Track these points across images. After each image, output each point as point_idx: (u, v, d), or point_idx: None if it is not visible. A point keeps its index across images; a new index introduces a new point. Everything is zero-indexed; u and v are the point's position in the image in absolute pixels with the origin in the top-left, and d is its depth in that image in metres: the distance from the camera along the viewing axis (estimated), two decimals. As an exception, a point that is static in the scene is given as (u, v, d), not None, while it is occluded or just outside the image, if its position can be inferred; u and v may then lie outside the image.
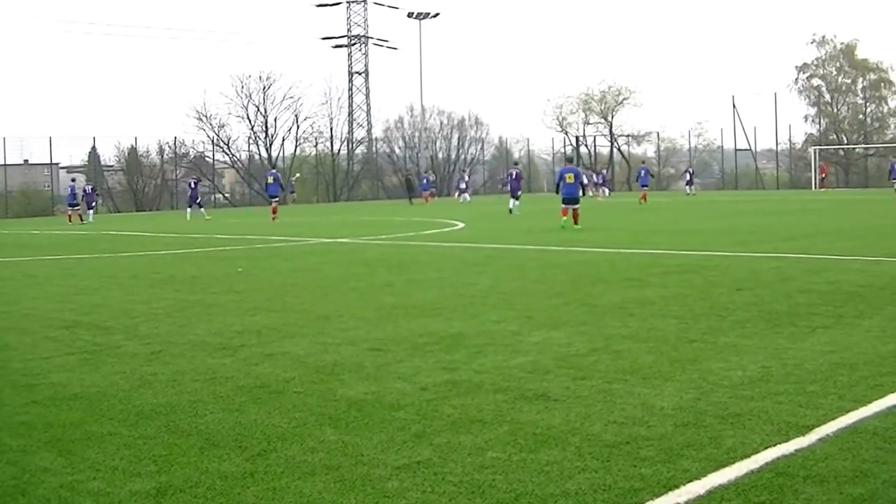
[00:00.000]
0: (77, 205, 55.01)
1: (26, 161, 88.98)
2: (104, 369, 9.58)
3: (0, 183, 76.83)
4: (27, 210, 73.49)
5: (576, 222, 31.30)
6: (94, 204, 58.20)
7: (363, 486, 5.74)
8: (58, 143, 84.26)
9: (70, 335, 11.81)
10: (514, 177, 48.27)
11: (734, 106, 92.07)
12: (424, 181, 78.07)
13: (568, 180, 32.23)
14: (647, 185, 58.97)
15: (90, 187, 60.38)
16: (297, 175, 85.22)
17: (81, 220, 53.11)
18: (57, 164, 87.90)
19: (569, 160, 39.54)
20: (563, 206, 31.82)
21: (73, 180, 59.44)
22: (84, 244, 31.64)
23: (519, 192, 46.82)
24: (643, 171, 60.13)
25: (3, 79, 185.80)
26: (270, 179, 47.46)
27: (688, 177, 71.13)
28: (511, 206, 45.84)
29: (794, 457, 6.01)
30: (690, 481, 5.63)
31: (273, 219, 43.98)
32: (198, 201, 54.43)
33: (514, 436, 6.66)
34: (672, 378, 8.34)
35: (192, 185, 55.73)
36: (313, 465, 6.16)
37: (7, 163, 79.47)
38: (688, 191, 67.99)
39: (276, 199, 46.83)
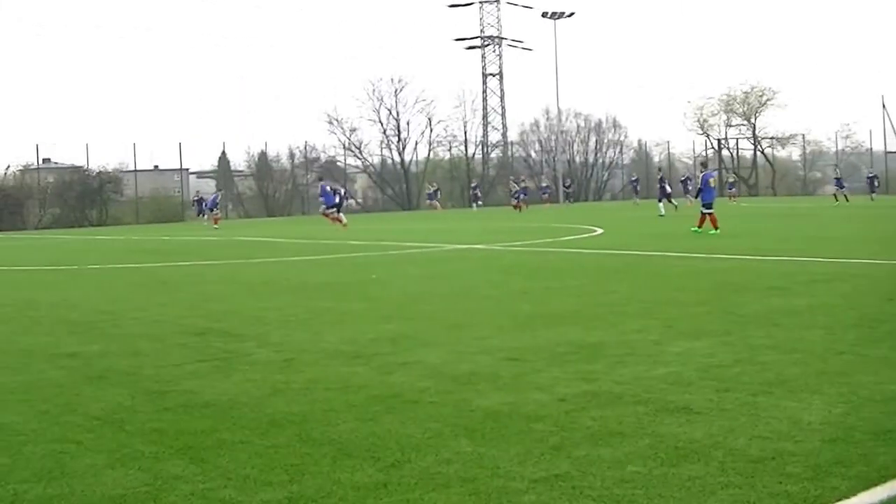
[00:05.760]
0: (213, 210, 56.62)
1: (156, 167, 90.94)
2: (236, 377, 9.61)
3: (131, 188, 78.47)
4: (157, 216, 74.93)
5: (700, 226, 31.64)
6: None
7: (499, 499, 5.65)
8: (187, 149, 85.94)
9: (201, 342, 11.89)
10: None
11: (884, 105, 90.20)
12: (546, 186, 78.30)
13: (712, 184, 32.90)
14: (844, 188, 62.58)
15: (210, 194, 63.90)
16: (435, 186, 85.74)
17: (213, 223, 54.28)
18: (186, 169, 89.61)
19: (703, 164, 39.48)
20: (710, 211, 31.81)
21: (220, 191, 61.98)
22: (215, 250, 32.06)
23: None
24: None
25: (133, 85, 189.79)
26: (329, 189, 48.46)
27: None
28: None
29: (953, 477, 5.76)
30: (839, 500, 5.43)
31: (343, 225, 44.80)
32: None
33: (655, 449, 6.50)
34: (820, 391, 8.08)
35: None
36: (448, 477, 6.06)
37: (138, 168, 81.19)
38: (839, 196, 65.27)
39: (333, 208, 47.63)
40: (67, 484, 6.21)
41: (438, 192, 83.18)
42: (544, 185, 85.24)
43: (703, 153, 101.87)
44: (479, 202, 77.71)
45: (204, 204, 65.27)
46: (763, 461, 6.15)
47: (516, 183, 73.80)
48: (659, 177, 53.32)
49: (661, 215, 45.53)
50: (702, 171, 35.59)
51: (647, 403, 7.82)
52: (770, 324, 11.70)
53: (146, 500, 5.87)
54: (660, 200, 48.84)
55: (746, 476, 5.87)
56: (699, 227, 31.48)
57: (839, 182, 62.51)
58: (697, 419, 7.26)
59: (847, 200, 60.30)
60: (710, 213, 31.84)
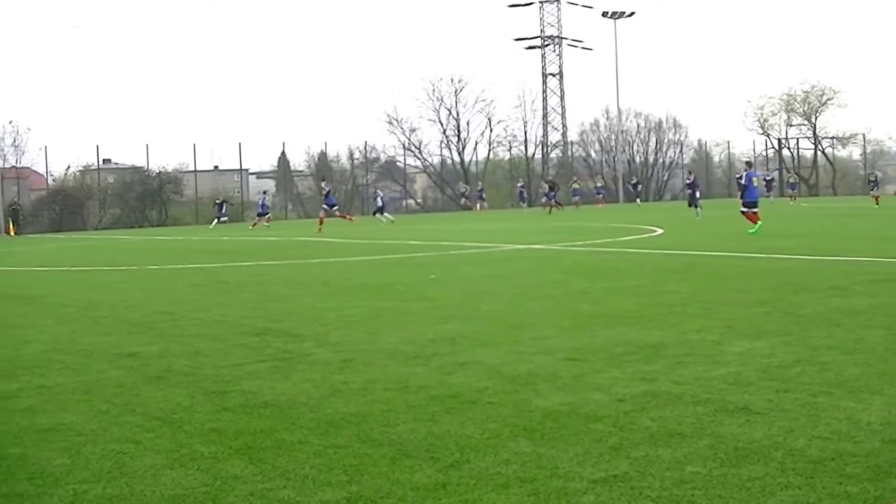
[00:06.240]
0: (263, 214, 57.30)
1: (216, 167, 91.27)
2: (295, 377, 9.64)
3: (190, 189, 78.88)
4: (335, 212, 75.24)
5: (754, 222, 31.80)
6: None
7: (558, 499, 5.64)
8: (247, 149, 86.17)
9: (261, 342, 11.94)
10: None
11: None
12: (601, 187, 78.22)
13: (755, 184, 33.74)
14: None
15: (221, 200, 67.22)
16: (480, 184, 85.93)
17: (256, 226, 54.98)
18: (246, 169, 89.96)
19: (748, 164, 39.09)
20: (753, 210, 31.81)
21: (265, 192, 63.13)
22: (274, 250, 32.19)
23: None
24: None
25: (194, 85, 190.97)
26: (330, 190, 49.66)
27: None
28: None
29: None
30: (900, 501, 5.36)
31: (351, 220, 46.85)
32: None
33: (715, 450, 6.47)
34: (880, 392, 8.00)
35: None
36: (507, 478, 6.06)
37: (197, 169, 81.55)
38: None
39: (336, 207, 48.84)
40: (127, 484, 6.27)
41: (482, 192, 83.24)
42: (599, 185, 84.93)
43: (764, 153, 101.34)
44: (525, 202, 76.95)
45: (224, 208, 66.24)
46: (823, 462, 6.11)
47: (551, 185, 73.16)
48: (690, 181, 51.82)
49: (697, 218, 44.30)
50: (745, 171, 35.41)
51: (706, 404, 7.78)
52: (830, 324, 11.60)
53: (205, 501, 5.91)
54: (691, 205, 47.67)
55: (806, 477, 5.83)
56: (754, 223, 31.40)
57: (874, 184, 60.72)
58: (757, 420, 7.22)
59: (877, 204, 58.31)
60: (754, 212, 32.01)
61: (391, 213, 56.78)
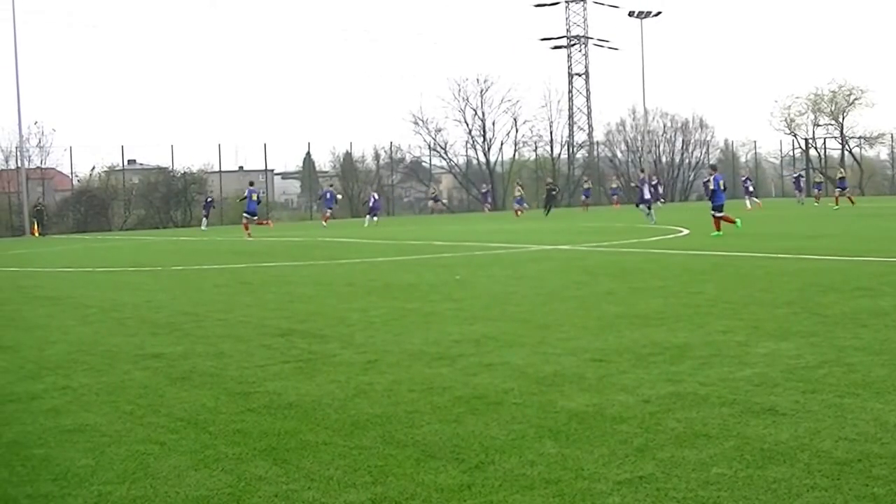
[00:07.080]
0: (331, 208, 57.90)
1: (241, 167, 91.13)
2: (319, 378, 9.65)
3: (216, 189, 78.94)
4: (242, 217, 75.30)
5: (719, 229, 31.90)
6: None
7: (583, 500, 5.64)
8: (272, 149, 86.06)
9: (285, 343, 11.95)
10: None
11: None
12: (615, 188, 77.96)
13: (723, 186, 33.53)
14: None
15: (209, 198, 68.25)
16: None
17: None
18: (271, 170, 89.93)
19: (713, 167, 38.24)
20: (721, 214, 32.01)
21: (332, 186, 65.93)
22: (299, 251, 32.19)
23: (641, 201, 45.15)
24: None
25: (219, 86, 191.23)
26: (255, 197, 49.02)
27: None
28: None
29: None
30: (927, 503, 5.33)
31: (248, 235, 45.78)
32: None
33: (741, 451, 6.46)
34: (907, 393, 7.97)
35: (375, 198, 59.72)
36: (532, 479, 6.06)
37: (222, 169, 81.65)
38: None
39: (256, 216, 48.84)
40: (151, 485, 6.29)
41: (489, 195, 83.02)
42: (614, 186, 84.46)
43: (791, 153, 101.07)
44: (525, 205, 74.55)
45: (211, 207, 66.53)
46: (849, 463, 6.09)
47: (552, 189, 71.64)
48: (641, 178, 49.57)
49: (651, 219, 42.10)
50: (710, 174, 34.95)
51: (732, 405, 7.76)
52: (857, 325, 11.55)
53: (229, 502, 5.93)
54: (646, 206, 44.01)
55: (832, 478, 5.82)
56: (718, 230, 31.39)
57: (842, 183, 59.40)
58: (783, 421, 7.20)
59: (837, 203, 56.15)
60: (722, 216, 32.38)
61: (418, 212, 56.67)
